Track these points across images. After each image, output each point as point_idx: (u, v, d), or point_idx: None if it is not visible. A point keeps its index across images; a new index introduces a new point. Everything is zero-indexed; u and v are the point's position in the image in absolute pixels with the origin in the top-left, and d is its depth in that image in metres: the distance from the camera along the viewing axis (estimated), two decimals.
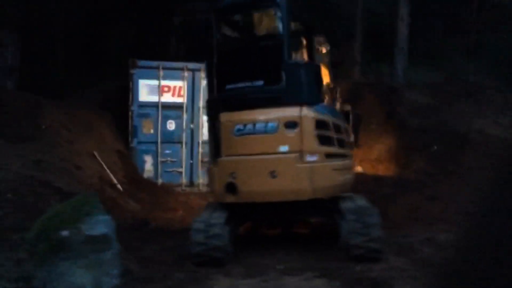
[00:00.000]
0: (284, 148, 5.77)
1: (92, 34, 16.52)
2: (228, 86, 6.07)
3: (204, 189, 11.99)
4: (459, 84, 12.24)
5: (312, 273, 5.41)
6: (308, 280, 5.22)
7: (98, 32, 16.66)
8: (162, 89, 11.74)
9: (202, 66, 11.97)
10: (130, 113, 11.56)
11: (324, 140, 5.96)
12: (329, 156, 5.99)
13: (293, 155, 5.71)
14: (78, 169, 9.73)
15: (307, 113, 5.81)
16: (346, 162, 6.49)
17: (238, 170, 5.79)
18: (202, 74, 11.94)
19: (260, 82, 5.90)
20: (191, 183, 11.97)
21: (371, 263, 5.57)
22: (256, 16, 6.73)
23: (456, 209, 7.63)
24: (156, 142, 11.72)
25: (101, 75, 14.98)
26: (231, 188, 5.74)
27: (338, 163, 6.13)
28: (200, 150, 11.98)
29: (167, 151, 11.82)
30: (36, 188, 7.41)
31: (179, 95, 11.90)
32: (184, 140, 11.90)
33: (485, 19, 14.20)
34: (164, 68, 11.74)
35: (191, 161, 11.99)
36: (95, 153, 10.79)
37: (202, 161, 11.98)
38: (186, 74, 11.90)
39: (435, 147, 9.85)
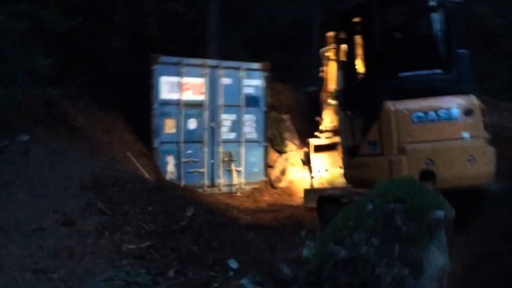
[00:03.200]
0: (466, 134, 6.08)
1: None
2: (403, 74, 6.20)
3: (224, 189, 11.69)
4: None
5: None
6: None
7: None
8: (182, 86, 11.17)
9: (220, 63, 11.74)
10: (152, 112, 10.81)
11: (486, 126, 6.40)
12: (489, 141, 6.45)
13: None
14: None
15: (477, 101, 6.21)
16: None
17: (436, 157, 5.94)
18: (221, 71, 11.67)
19: (438, 70, 6.14)
20: (212, 184, 11.55)
21: None
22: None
23: None
24: (178, 142, 11.12)
25: None
26: (428, 175, 5.87)
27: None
28: (221, 149, 11.64)
29: (189, 151, 11.29)
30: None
31: (199, 93, 11.44)
32: (205, 139, 11.45)
33: None
34: (184, 65, 11.20)
35: (212, 161, 11.57)
36: (129, 155, 10.01)
37: (222, 161, 11.65)
38: (206, 71, 11.47)
39: None
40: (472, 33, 15.68)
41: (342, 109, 7.28)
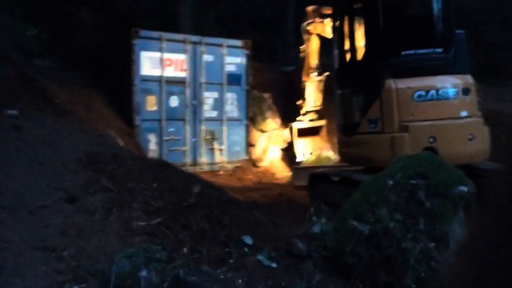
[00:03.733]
0: (464, 113, 6.20)
1: None
2: (405, 52, 6.23)
3: (206, 168, 11.59)
4: None
5: None
6: None
7: None
8: (164, 62, 10.94)
9: (202, 39, 11.53)
10: (133, 88, 10.56)
11: (479, 106, 6.55)
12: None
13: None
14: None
15: (473, 81, 6.33)
16: None
17: (438, 135, 6.02)
18: (203, 48, 11.48)
19: (439, 49, 6.21)
20: (194, 162, 11.43)
21: None
22: None
23: None
24: (159, 120, 10.92)
25: None
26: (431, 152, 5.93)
27: None
28: (203, 127, 11.51)
29: (171, 129, 11.12)
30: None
31: (181, 69, 11.22)
32: (187, 117, 11.29)
33: None
34: (166, 40, 10.95)
35: (194, 139, 11.44)
36: (111, 132, 9.75)
37: (205, 139, 11.54)
38: (188, 47, 11.26)
39: None
40: None
41: (337, 87, 7.27)
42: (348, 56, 6.97)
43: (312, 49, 10.90)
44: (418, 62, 6.23)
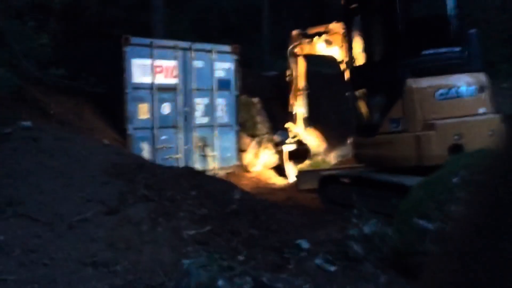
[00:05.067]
0: (482, 109, 6.34)
1: None
2: (425, 52, 6.32)
3: None
4: None
5: None
6: None
7: None
8: (155, 69, 10.70)
9: (191, 45, 11.37)
10: (125, 96, 10.27)
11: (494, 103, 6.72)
12: None
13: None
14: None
15: (487, 78, 6.51)
16: None
17: (463, 131, 6.12)
18: (193, 54, 11.32)
19: (456, 48, 6.34)
20: None
21: None
22: None
23: None
24: (152, 128, 10.67)
25: None
26: (457, 149, 6.03)
27: None
28: (196, 134, 11.33)
29: (164, 137, 10.87)
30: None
31: (172, 76, 11.02)
32: (180, 124, 11.08)
33: None
34: (156, 46, 10.73)
35: (186, 146, 11.24)
36: (107, 142, 9.44)
37: (197, 146, 11.36)
38: (178, 53, 11.07)
39: None
40: None
41: (352, 89, 7.29)
42: (363, 58, 7.00)
43: (299, 71, 11.09)
44: (437, 61, 6.33)
